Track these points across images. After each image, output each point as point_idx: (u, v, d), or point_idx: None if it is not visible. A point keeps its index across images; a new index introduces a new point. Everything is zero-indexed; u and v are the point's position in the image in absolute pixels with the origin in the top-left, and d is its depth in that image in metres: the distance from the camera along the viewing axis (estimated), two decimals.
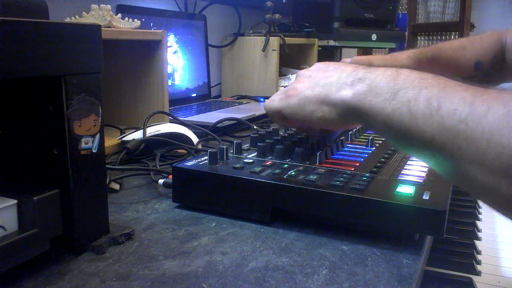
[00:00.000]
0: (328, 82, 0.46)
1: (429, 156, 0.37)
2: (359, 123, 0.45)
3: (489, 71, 0.75)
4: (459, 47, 0.76)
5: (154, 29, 1.19)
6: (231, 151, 0.60)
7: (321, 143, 0.63)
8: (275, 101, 0.52)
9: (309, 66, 0.54)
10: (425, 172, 0.54)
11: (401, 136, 0.38)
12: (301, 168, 0.54)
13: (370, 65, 0.69)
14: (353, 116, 0.43)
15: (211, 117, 1.07)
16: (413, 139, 0.37)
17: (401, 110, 0.37)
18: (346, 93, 0.43)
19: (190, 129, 0.84)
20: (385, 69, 0.42)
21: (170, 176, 0.58)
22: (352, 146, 0.67)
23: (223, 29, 1.70)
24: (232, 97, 1.59)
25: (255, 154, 0.60)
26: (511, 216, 0.33)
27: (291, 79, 1.60)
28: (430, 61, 0.76)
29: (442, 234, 0.43)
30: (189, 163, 0.55)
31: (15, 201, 0.37)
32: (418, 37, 3.49)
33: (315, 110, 0.47)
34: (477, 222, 0.66)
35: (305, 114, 0.48)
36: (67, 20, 0.87)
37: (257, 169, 0.52)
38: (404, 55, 0.77)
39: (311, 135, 0.64)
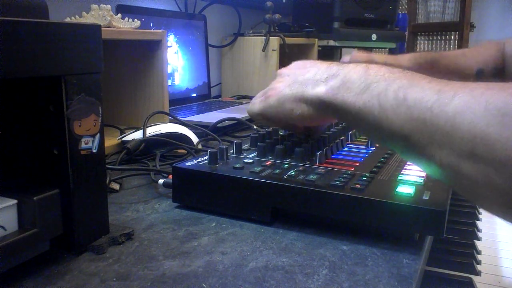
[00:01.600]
0: (304, 79, 0.48)
1: (400, 146, 0.38)
2: (335, 117, 0.46)
3: (490, 80, 0.75)
4: (461, 54, 0.77)
5: (154, 29, 1.19)
6: (231, 151, 0.60)
7: (321, 143, 0.63)
8: (256, 104, 0.54)
9: None
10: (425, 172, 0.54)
11: (373, 128, 0.39)
12: (301, 168, 0.54)
13: (370, 61, 0.70)
14: (328, 111, 0.45)
15: (211, 117, 1.07)
16: (383, 130, 0.38)
17: (371, 103, 0.39)
18: (320, 90, 0.45)
19: (190, 129, 0.84)
20: (356, 65, 0.43)
21: (170, 176, 0.58)
22: (352, 146, 0.67)
23: (223, 29, 1.70)
24: (232, 97, 1.59)
25: (255, 154, 0.60)
26: (477, 200, 0.34)
27: None
28: (430, 64, 0.76)
29: (442, 234, 0.43)
30: (189, 163, 0.55)
31: (15, 201, 0.37)
32: (418, 37, 3.49)
33: (293, 108, 0.48)
34: (477, 222, 0.66)
35: (285, 113, 0.50)
36: (67, 20, 0.87)
37: (257, 169, 0.52)
38: (405, 57, 0.77)
39: (296, 132, 0.65)
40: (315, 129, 0.63)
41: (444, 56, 0.77)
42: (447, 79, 0.46)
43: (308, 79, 0.47)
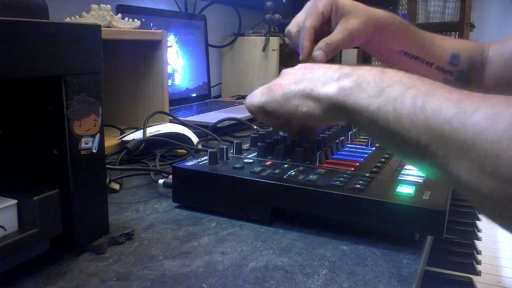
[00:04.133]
0: (313, 76, 0.45)
1: (414, 155, 0.36)
2: (344, 119, 0.44)
3: (465, 72, 0.72)
4: (438, 36, 0.73)
5: (154, 29, 1.19)
6: (231, 151, 0.60)
7: (321, 143, 0.63)
8: (257, 96, 0.50)
9: None
10: None
11: (386, 134, 0.38)
12: (301, 168, 0.54)
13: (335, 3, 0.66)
14: (338, 112, 0.43)
15: (211, 117, 1.07)
16: (397, 137, 0.36)
17: (386, 108, 0.37)
18: (332, 88, 0.42)
19: (190, 129, 0.84)
20: (371, 68, 0.41)
21: (170, 176, 0.58)
22: (352, 146, 0.67)
23: (223, 29, 1.70)
24: (232, 97, 1.59)
25: (255, 154, 0.60)
26: (493, 217, 0.33)
27: None
28: (403, 31, 0.70)
29: (442, 234, 0.43)
30: (189, 163, 0.55)
31: (15, 201, 0.37)
32: None
33: (299, 105, 0.45)
34: (477, 222, 0.66)
35: (289, 109, 0.47)
36: (67, 20, 0.87)
37: (257, 169, 0.52)
38: (382, 12, 0.70)
39: (291, 134, 0.62)
40: (311, 132, 0.61)
41: (421, 33, 0.72)
42: (421, 58, 0.44)
43: (318, 76, 0.45)
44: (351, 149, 0.65)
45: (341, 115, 0.43)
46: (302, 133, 0.60)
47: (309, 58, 0.64)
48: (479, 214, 0.69)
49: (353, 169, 0.54)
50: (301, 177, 0.50)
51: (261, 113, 0.50)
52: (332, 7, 0.69)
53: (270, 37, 1.53)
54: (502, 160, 0.29)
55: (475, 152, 0.30)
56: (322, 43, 0.66)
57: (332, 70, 0.44)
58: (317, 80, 0.45)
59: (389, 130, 0.37)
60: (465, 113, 0.32)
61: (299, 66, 0.50)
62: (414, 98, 0.35)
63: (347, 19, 0.67)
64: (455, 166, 0.32)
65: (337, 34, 0.66)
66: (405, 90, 0.36)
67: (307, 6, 0.73)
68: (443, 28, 3.43)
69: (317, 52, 0.65)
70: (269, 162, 0.56)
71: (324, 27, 0.69)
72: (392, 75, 0.39)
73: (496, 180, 0.29)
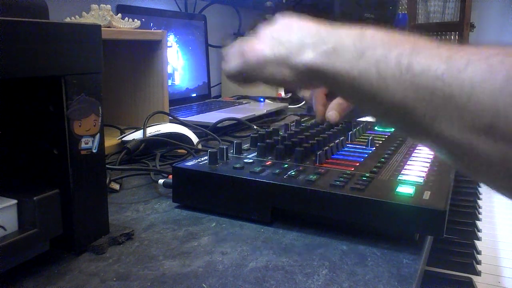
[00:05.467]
0: (289, 41, 0.43)
1: (401, 120, 0.34)
2: (323, 85, 0.42)
3: None
4: None
5: (154, 29, 1.19)
6: (231, 151, 0.60)
7: (321, 143, 0.63)
8: (232, 61, 0.49)
9: None
10: (425, 172, 0.54)
11: (370, 99, 0.35)
12: (301, 168, 0.54)
13: None
14: (315, 78, 0.40)
15: (211, 117, 1.07)
16: (382, 102, 0.34)
17: (369, 72, 0.34)
18: (308, 56, 0.40)
19: (190, 129, 0.84)
20: (349, 30, 0.38)
21: (170, 176, 0.58)
22: (352, 146, 0.67)
23: (223, 29, 1.70)
24: (232, 97, 1.59)
25: (255, 154, 0.60)
26: (487, 181, 0.31)
27: None
28: None
29: (442, 234, 0.43)
30: (189, 163, 0.55)
31: (15, 201, 0.37)
32: None
33: (275, 73, 0.44)
34: (477, 222, 0.66)
35: (265, 76, 0.45)
36: (67, 20, 0.87)
37: (257, 169, 0.52)
38: None
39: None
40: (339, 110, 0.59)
41: None
42: None
43: (293, 41, 0.42)
44: (351, 149, 0.65)
45: (320, 82, 0.41)
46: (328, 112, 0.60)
47: (324, 119, 0.67)
48: (479, 214, 0.70)
49: (353, 169, 0.54)
50: (301, 177, 0.50)
51: (239, 79, 0.49)
52: None
53: None
54: (501, 115, 0.27)
55: (471, 108, 0.28)
56: (334, 103, 0.67)
57: (310, 34, 0.41)
58: (292, 46, 0.42)
59: (373, 95, 0.34)
60: (458, 68, 0.29)
61: (276, 23, 0.48)
62: (399, 58, 0.33)
63: None
64: (447, 126, 0.30)
65: None
66: (388, 50, 0.34)
67: None
68: (443, 28, 3.43)
69: (331, 113, 0.65)
70: (269, 162, 0.56)
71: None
72: (372, 35, 0.36)
73: (494, 138, 0.28)
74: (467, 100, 0.28)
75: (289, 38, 0.43)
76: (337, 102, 0.68)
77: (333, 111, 0.67)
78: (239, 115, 1.06)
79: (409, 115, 0.32)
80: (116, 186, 0.62)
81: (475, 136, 0.28)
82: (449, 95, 0.29)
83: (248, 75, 0.47)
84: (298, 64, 0.41)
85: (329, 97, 0.73)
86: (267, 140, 0.62)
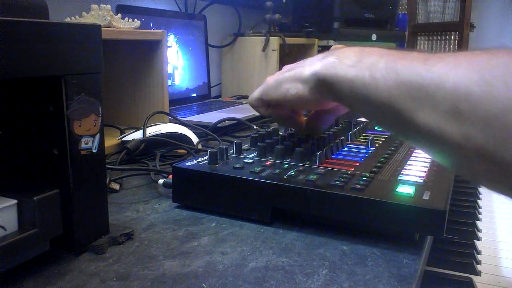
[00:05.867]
0: (305, 63, 0.49)
1: (388, 117, 0.38)
2: (329, 95, 0.46)
3: None
4: None
5: (154, 29, 1.19)
6: (231, 151, 0.60)
7: (321, 143, 0.63)
8: (256, 90, 0.55)
9: None
10: (425, 172, 0.54)
11: (364, 100, 0.39)
12: (301, 168, 0.54)
13: None
14: (322, 88, 0.45)
15: (211, 117, 1.07)
16: (374, 101, 0.38)
17: (363, 74, 0.39)
18: (316, 66, 0.45)
19: (190, 129, 0.84)
20: (352, 46, 0.44)
21: (170, 176, 0.58)
22: (352, 146, 0.67)
23: (223, 29, 1.70)
24: (232, 97, 1.59)
25: (255, 154, 0.60)
26: (461, 169, 0.35)
27: None
28: None
29: (442, 234, 0.43)
30: (189, 163, 0.55)
31: (15, 201, 0.37)
32: (418, 37, 3.49)
33: (289, 88, 0.49)
34: (477, 222, 0.66)
35: (281, 92, 0.50)
36: (67, 20, 0.87)
37: (257, 169, 0.52)
38: None
39: (296, 129, 0.64)
40: (316, 127, 0.63)
41: None
42: None
43: (307, 61, 0.48)
44: (351, 149, 0.65)
45: (325, 92, 0.45)
46: (308, 129, 0.62)
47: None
48: (479, 214, 0.69)
49: (353, 169, 0.54)
50: (301, 177, 0.50)
51: (261, 104, 0.55)
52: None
53: (270, 37, 1.53)
54: (462, 99, 0.31)
55: (438, 96, 0.32)
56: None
57: (321, 54, 0.47)
58: (306, 65, 0.48)
59: (366, 95, 0.39)
60: (431, 64, 0.34)
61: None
62: (388, 62, 0.38)
63: None
64: (424, 115, 0.34)
65: None
66: (380, 57, 0.39)
67: None
68: (443, 28, 3.43)
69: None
70: (269, 162, 0.56)
71: None
72: (371, 49, 0.42)
73: (458, 122, 0.31)
74: (435, 88, 0.33)
75: (304, 62, 0.49)
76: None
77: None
78: (239, 115, 1.06)
79: (394, 110, 0.36)
80: (116, 186, 0.62)
81: (444, 122, 0.32)
82: (421, 85, 0.34)
83: (267, 96, 0.53)
84: (308, 75, 0.46)
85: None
86: (267, 140, 0.62)
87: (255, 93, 0.55)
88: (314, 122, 0.61)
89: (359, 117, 0.93)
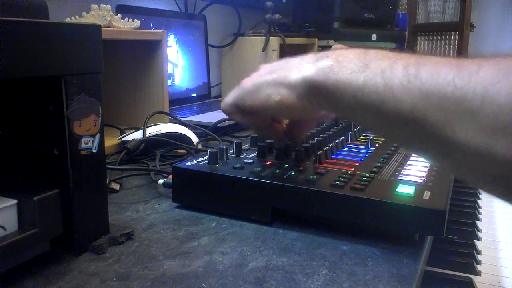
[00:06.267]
0: (288, 65, 0.42)
1: (408, 130, 0.32)
2: (322, 104, 0.39)
3: None
4: None
5: (154, 29, 1.19)
6: (231, 151, 0.60)
7: (321, 143, 0.63)
8: (229, 95, 0.47)
9: None
10: (425, 172, 0.54)
11: (374, 111, 0.34)
12: (301, 168, 0.54)
13: None
14: (315, 96, 0.38)
15: (211, 117, 1.07)
16: (388, 112, 0.33)
17: (374, 81, 0.33)
18: (309, 70, 0.38)
19: (190, 129, 0.84)
20: (351, 48, 0.38)
21: (170, 176, 0.58)
22: (352, 146, 0.67)
23: (223, 29, 1.70)
24: None
25: (255, 154, 0.60)
26: (503, 188, 0.30)
27: None
28: None
29: (442, 234, 0.43)
30: (189, 163, 0.55)
31: (15, 201, 0.37)
32: (418, 37, 3.49)
33: (271, 94, 0.41)
34: (477, 222, 0.66)
35: (261, 98, 0.43)
36: (67, 20, 0.87)
37: (257, 169, 0.52)
38: None
39: (273, 137, 0.57)
40: (295, 136, 0.55)
41: None
42: None
43: (293, 64, 0.41)
44: (351, 149, 0.65)
45: (319, 100, 0.39)
46: (287, 138, 0.55)
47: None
48: (479, 214, 0.69)
49: (353, 169, 0.54)
50: (301, 177, 0.50)
51: (235, 111, 0.47)
52: None
53: (270, 37, 1.53)
54: None
55: (485, 111, 0.27)
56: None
57: (309, 56, 0.40)
58: (292, 67, 0.41)
59: (377, 105, 0.33)
60: (469, 72, 0.29)
61: (277, 61, 0.46)
62: (406, 67, 0.32)
63: None
64: (461, 131, 0.29)
65: None
66: (393, 61, 0.33)
67: None
68: (443, 28, 3.43)
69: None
70: (269, 162, 0.56)
71: None
72: (376, 52, 0.36)
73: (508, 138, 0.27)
74: (482, 102, 0.28)
75: (287, 63, 0.42)
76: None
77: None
78: None
79: (418, 124, 0.31)
80: (116, 186, 0.62)
81: (493, 138, 0.28)
82: (461, 99, 0.29)
83: (243, 102, 0.45)
84: (297, 81, 0.40)
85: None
86: (267, 140, 0.62)
87: (229, 98, 0.47)
88: (293, 131, 0.54)
89: None
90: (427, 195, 0.46)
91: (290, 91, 0.40)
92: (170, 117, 0.94)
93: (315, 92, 0.38)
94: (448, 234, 0.56)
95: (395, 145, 0.67)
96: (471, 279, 0.51)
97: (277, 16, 1.55)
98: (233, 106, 0.47)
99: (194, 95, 1.41)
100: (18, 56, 0.33)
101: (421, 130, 0.31)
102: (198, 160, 0.57)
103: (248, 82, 0.45)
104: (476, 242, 0.59)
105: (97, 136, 0.42)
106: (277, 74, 0.42)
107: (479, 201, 0.75)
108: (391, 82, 0.32)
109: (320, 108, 0.40)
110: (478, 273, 0.52)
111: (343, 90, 0.35)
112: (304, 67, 0.39)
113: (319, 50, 1.78)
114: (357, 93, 0.34)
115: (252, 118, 0.48)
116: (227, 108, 0.48)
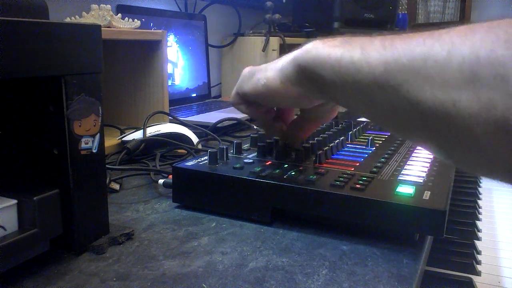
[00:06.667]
0: (280, 58, 0.45)
1: (380, 94, 0.33)
2: (305, 84, 0.40)
3: None
4: None
5: (154, 29, 1.19)
6: (231, 151, 0.60)
7: (321, 143, 0.63)
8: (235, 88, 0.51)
9: None
10: (425, 172, 0.54)
11: (350, 79, 0.34)
12: (301, 168, 0.54)
13: None
14: (298, 76, 0.40)
15: (211, 117, 1.07)
16: (363, 80, 0.33)
17: (352, 53, 0.35)
18: (293, 54, 0.41)
19: (190, 129, 0.84)
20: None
21: (170, 176, 0.58)
22: (352, 146, 0.67)
23: (223, 29, 1.70)
24: None
25: (255, 154, 0.60)
26: (469, 150, 0.29)
27: None
28: None
29: (442, 234, 0.43)
30: (189, 163, 0.55)
31: (15, 201, 0.37)
32: None
33: (260, 78, 0.45)
34: (477, 222, 0.66)
35: (252, 83, 0.46)
36: (67, 20, 0.87)
37: (257, 169, 0.52)
38: None
39: (275, 133, 0.58)
40: (295, 136, 0.56)
41: None
42: None
43: (285, 56, 0.44)
44: (351, 149, 0.65)
45: (301, 79, 0.40)
46: (287, 137, 0.57)
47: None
48: (479, 214, 0.69)
49: (353, 169, 0.54)
50: (301, 177, 0.50)
51: (239, 101, 0.50)
52: None
53: (270, 37, 1.53)
54: (482, 62, 0.27)
55: (451, 63, 0.28)
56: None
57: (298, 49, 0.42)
58: (284, 57, 0.44)
59: (354, 72, 0.34)
60: (439, 33, 0.30)
61: None
62: (383, 40, 0.33)
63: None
64: (431, 88, 0.29)
65: None
66: (373, 38, 0.34)
67: None
68: (443, 28, 3.43)
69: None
70: (269, 162, 0.56)
71: None
72: (357, 37, 0.37)
73: (477, 88, 0.27)
74: (448, 55, 0.28)
75: (280, 58, 0.45)
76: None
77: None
78: (239, 115, 1.06)
79: (390, 89, 0.32)
80: (116, 186, 0.62)
81: (459, 92, 0.28)
82: (429, 54, 0.29)
83: (241, 89, 0.48)
84: (284, 63, 0.42)
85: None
86: (267, 140, 0.62)
87: (233, 90, 0.50)
88: (294, 130, 0.55)
89: (359, 117, 0.93)
90: (427, 195, 0.46)
91: (275, 74, 0.43)
92: (170, 117, 0.94)
93: (298, 71, 0.40)
94: (448, 234, 0.56)
95: (395, 145, 0.67)
96: (471, 279, 0.51)
97: (277, 16, 1.55)
98: (236, 96, 0.50)
99: (194, 95, 1.41)
100: (18, 56, 0.33)
101: (394, 96, 0.31)
102: (198, 160, 0.57)
103: (246, 70, 0.48)
104: (476, 242, 0.59)
105: (97, 136, 0.42)
106: (270, 64, 0.45)
107: (479, 201, 0.75)
108: (367, 52, 0.34)
109: (304, 91, 0.41)
110: (478, 273, 0.52)
111: (323, 64, 0.37)
112: (292, 54, 0.42)
113: None
114: (335, 66, 0.36)
115: (255, 109, 0.50)
116: (232, 99, 0.51)
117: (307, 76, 0.40)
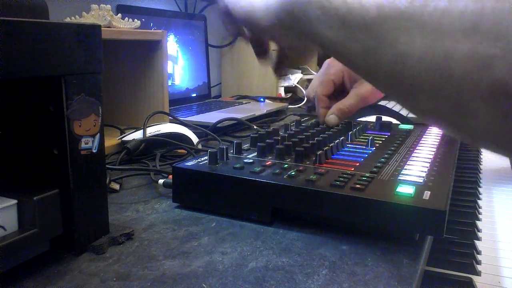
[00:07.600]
0: None
1: (366, 44, 0.29)
2: (284, 21, 0.37)
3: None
4: None
5: (154, 29, 1.19)
6: (231, 151, 0.60)
7: (321, 143, 0.63)
8: None
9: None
10: (425, 172, 0.54)
11: (339, 23, 0.31)
12: (301, 168, 0.54)
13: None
14: (279, 9, 0.37)
15: (211, 117, 1.07)
16: (352, 21, 0.30)
17: None
18: None
19: (190, 129, 0.84)
20: None
21: (170, 176, 0.58)
22: (352, 146, 0.67)
23: (223, 29, 1.70)
24: (232, 97, 1.59)
25: (255, 154, 0.60)
26: (462, 107, 0.26)
27: (291, 79, 1.60)
28: None
29: (442, 234, 0.43)
30: (189, 163, 0.55)
31: (15, 201, 0.37)
32: None
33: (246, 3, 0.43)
34: (477, 222, 0.66)
35: (241, 5, 0.44)
36: (67, 20, 0.87)
37: (257, 169, 0.52)
38: None
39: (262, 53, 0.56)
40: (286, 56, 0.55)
41: None
42: None
43: None
44: (351, 149, 0.65)
45: (282, 15, 0.37)
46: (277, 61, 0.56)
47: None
48: (479, 214, 0.69)
49: (353, 169, 0.54)
50: (301, 177, 0.50)
51: (226, 17, 0.51)
52: (343, 74, 0.76)
53: None
54: (487, 14, 0.23)
55: (453, 11, 0.25)
56: (335, 108, 0.73)
57: None
58: None
59: (343, 16, 0.30)
60: None
61: None
62: None
63: (360, 84, 0.74)
64: (418, 40, 0.26)
65: (349, 99, 0.74)
66: None
67: (321, 72, 0.80)
68: None
69: (330, 117, 0.72)
70: (269, 162, 0.56)
71: (338, 91, 0.77)
72: None
73: (477, 41, 0.23)
74: (449, 1, 0.25)
75: None
76: (337, 107, 0.72)
77: (333, 115, 0.73)
78: (239, 115, 1.06)
79: (380, 35, 0.28)
80: (116, 186, 0.62)
81: (456, 43, 0.24)
82: (430, 0, 0.26)
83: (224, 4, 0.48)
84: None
85: (332, 99, 0.76)
86: (267, 140, 0.62)
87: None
88: (283, 54, 0.53)
89: (359, 117, 0.93)
90: (427, 195, 0.46)
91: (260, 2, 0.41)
92: (170, 117, 0.94)
93: (281, 4, 0.36)
94: (448, 234, 0.56)
95: (395, 145, 0.67)
96: (471, 279, 0.51)
97: None
98: (223, 10, 0.50)
99: (194, 95, 1.41)
100: (18, 56, 0.33)
101: (377, 39, 0.28)
102: (198, 160, 0.57)
103: None
104: (476, 242, 0.59)
105: (97, 136, 0.42)
106: None
107: (479, 201, 0.75)
108: None
109: (282, 27, 0.38)
110: (478, 273, 0.52)
111: (311, 4, 0.32)
112: None
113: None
114: (325, 3, 0.31)
115: (239, 26, 0.50)
116: (221, 15, 0.51)
117: (288, 11, 0.36)
